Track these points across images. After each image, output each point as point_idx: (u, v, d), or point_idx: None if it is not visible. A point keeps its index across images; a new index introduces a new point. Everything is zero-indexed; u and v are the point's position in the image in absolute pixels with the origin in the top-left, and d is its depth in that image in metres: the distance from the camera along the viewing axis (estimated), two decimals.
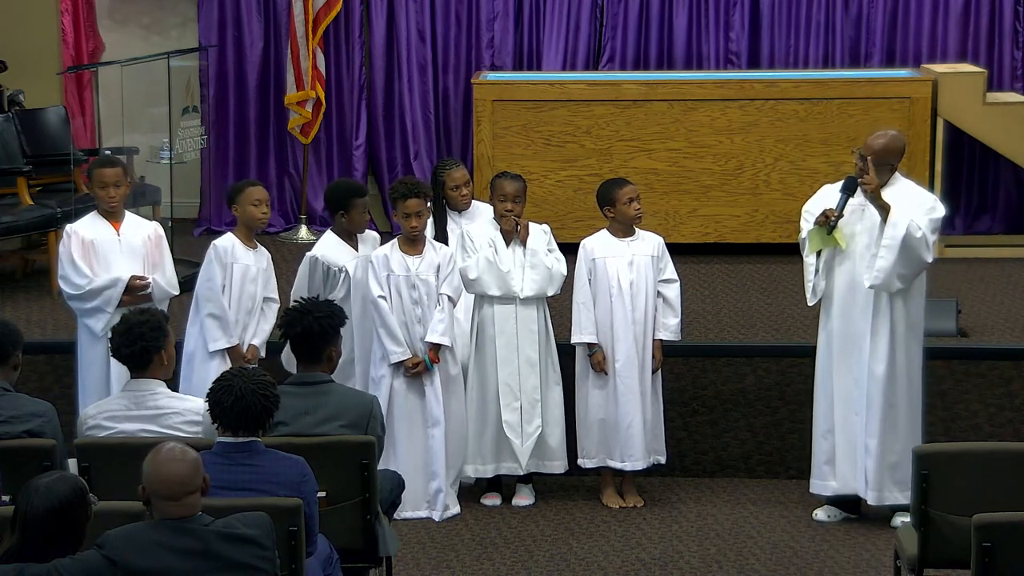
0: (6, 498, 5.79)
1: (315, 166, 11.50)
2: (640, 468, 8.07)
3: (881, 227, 7.49)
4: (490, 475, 8.18)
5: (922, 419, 7.80)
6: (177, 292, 8.10)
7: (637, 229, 8.11)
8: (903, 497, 7.51)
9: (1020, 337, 8.84)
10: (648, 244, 8.10)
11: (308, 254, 8.14)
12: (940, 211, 7.61)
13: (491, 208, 8.19)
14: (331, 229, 8.20)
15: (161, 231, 8.19)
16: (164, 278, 7.99)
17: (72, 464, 6.19)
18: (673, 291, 8.09)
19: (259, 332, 7.92)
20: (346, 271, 8.02)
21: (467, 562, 7.42)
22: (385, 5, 11.38)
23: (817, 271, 7.68)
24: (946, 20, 11.17)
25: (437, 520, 7.89)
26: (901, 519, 7.50)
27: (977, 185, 11.17)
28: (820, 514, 7.90)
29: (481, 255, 8.03)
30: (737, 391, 8.58)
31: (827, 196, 7.70)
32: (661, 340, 8.07)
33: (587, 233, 8.19)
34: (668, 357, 8.23)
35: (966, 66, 10.88)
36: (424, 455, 7.93)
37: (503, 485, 8.25)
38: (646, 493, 8.20)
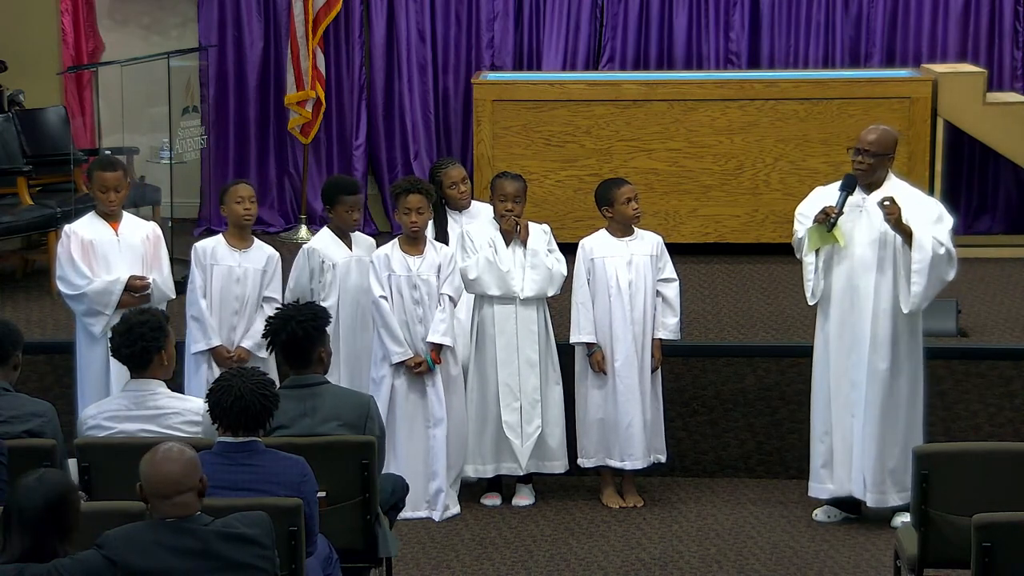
0: None
1: (315, 166, 11.50)
2: (639, 467, 8.07)
3: (904, 250, 7.51)
4: (490, 475, 8.18)
5: (924, 420, 7.80)
6: (173, 295, 8.09)
7: (636, 229, 8.11)
8: (902, 500, 7.52)
9: (1020, 337, 8.84)
10: (647, 243, 8.10)
11: (304, 246, 8.19)
12: (949, 218, 7.64)
13: (491, 208, 8.20)
14: (327, 226, 8.24)
15: (159, 231, 8.19)
16: (161, 279, 7.99)
17: (72, 464, 6.19)
18: (672, 290, 8.09)
19: (252, 333, 7.87)
20: (334, 267, 8.02)
21: (467, 562, 7.42)
22: (385, 5, 11.38)
23: (816, 270, 7.68)
24: (946, 20, 11.17)
25: (437, 520, 7.89)
26: (901, 519, 7.51)
27: (977, 185, 11.18)
28: (820, 514, 7.90)
29: (481, 255, 8.03)
30: (737, 391, 8.58)
31: (820, 198, 7.71)
32: (660, 339, 8.08)
33: (587, 233, 8.19)
34: (668, 357, 8.23)
35: (966, 66, 10.88)
36: (425, 455, 7.93)
37: (503, 485, 8.25)
38: (646, 493, 8.20)
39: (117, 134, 10.44)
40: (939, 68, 10.72)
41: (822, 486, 7.79)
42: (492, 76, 10.96)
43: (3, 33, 11.44)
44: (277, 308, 6.82)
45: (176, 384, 6.45)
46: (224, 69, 11.45)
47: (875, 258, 7.60)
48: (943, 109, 10.43)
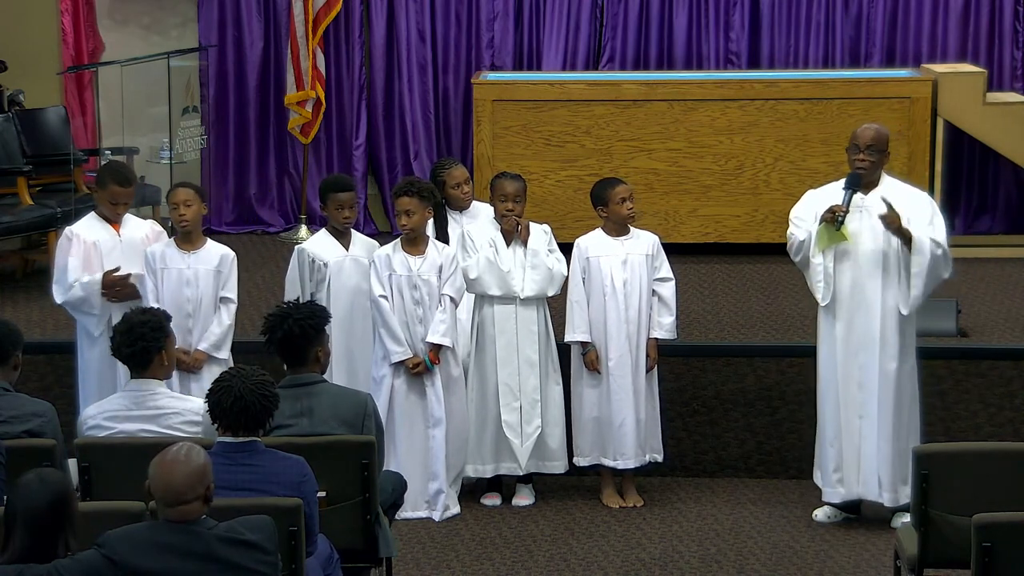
0: None
1: (315, 166, 11.50)
2: (632, 467, 8.07)
3: (904, 252, 7.52)
4: (490, 475, 8.18)
5: (921, 419, 7.80)
6: None
7: (632, 228, 8.11)
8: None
9: (1020, 337, 8.84)
10: (643, 243, 8.09)
11: (297, 246, 8.19)
12: (941, 218, 7.65)
13: (491, 208, 8.20)
14: (326, 225, 8.25)
15: (159, 229, 8.19)
16: None
17: (72, 464, 6.19)
18: (668, 289, 8.09)
19: (208, 335, 7.82)
20: (325, 266, 8.01)
21: (467, 562, 7.42)
22: (385, 5, 11.38)
23: (826, 271, 7.65)
24: (946, 20, 11.18)
25: (437, 520, 7.89)
26: (901, 519, 7.50)
27: (977, 185, 11.18)
28: (820, 514, 7.89)
29: (481, 255, 8.03)
30: (737, 391, 8.58)
31: (812, 201, 7.72)
32: (656, 339, 8.07)
33: (587, 233, 8.20)
34: (668, 357, 8.23)
35: (966, 66, 10.88)
36: (424, 455, 7.93)
37: (503, 485, 8.25)
38: (646, 493, 8.20)
39: (117, 134, 10.45)
40: (939, 68, 10.73)
41: (835, 490, 7.77)
42: (492, 76, 10.96)
43: (3, 33, 11.44)
44: (276, 306, 6.80)
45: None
46: (224, 69, 11.45)
47: (880, 258, 7.60)
48: (943, 109, 10.43)
